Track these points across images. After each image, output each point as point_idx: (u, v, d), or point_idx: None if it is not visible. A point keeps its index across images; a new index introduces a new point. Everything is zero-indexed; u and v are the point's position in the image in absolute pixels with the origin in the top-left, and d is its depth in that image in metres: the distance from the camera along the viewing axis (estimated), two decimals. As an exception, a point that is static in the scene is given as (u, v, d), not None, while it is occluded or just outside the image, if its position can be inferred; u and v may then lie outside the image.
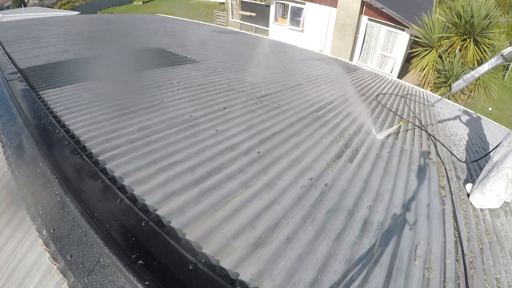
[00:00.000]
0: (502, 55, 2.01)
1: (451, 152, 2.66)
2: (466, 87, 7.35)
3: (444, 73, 7.32)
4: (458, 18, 7.03)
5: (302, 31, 11.31)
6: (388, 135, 2.50)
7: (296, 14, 11.23)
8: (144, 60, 3.39)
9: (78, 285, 0.97)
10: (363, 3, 9.48)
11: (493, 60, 2.10)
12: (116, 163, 1.55)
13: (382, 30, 9.69)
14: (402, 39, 9.34)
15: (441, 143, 2.78)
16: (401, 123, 2.59)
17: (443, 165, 2.37)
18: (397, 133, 2.62)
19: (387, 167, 2.08)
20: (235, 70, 3.62)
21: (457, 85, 2.34)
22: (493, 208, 2.01)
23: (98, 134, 1.81)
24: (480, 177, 2.03)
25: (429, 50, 7.75)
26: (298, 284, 1.09)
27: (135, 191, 1.36)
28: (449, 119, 3.70)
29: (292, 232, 1.32)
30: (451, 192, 2.02)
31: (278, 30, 11.97)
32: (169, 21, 8.11)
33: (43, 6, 18.68)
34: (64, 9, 18.45)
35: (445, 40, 7.37)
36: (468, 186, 2.13)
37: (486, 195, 1.95)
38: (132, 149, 1.70)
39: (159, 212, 1.26)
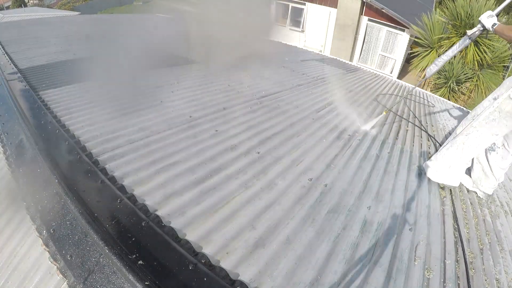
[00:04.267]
0: (468, 36, 2.10)
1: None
2: (466, 87, 7.37)
3: (444, 74, 7.32)
4: (458, 19, 7.04)
5: (302, 31, 11.31)
6: (374, 126, 2.55)
7: (296, 15, 11.24)
8: (144, 60, 3.40)
9: (78, 285, 0.97)
10: (363, 4, 9.48)
11: (460, 42, 2.19)
12: (116, 163, 1.55)
13: (382, 31, 9.70)
14: (402, 39, 9.35)
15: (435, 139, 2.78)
16: (384, 112, 2.65)
17: (443, 165, 2.37)
18: (382, 124, 2.65)
19: (387, 168, 2.08)
20: (235, 70, 3.62)
21: (430, 70, 2.40)
22: (451, 185, 2.04)
23: (98, 134, 1.81)
24: (442, 148, 2.12)
25: (429, 50, 7.75)
26: (298, 285, 1.09)
27: (135, 192, 1.36)
28: (449, 120, 3.70)
29: (292, 232, 1.32)
30: (451, 192, 2.02)
31: (278, 31, 11.97)
32: (169, 21, 8.11)
33: (43, 6, 18.69)
34: (64, 9, 18.46)
35: (445, 41, 7.37)
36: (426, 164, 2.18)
37: (439, 162, 2.03)
38: (132, 149, 1.70)
39: (159, 213, 1.26)
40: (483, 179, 2.08)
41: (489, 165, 2.02)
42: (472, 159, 2.11)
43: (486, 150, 2.05)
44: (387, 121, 2.97)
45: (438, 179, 2.03)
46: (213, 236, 1.21)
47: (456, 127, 2.11)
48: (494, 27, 1.89)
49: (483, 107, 1.93)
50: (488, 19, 1.93)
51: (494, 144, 2.00)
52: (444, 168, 2.00)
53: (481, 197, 2.10)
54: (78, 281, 0.97)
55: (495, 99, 1.86)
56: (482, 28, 2.01)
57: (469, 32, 2.08)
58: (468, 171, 2.20)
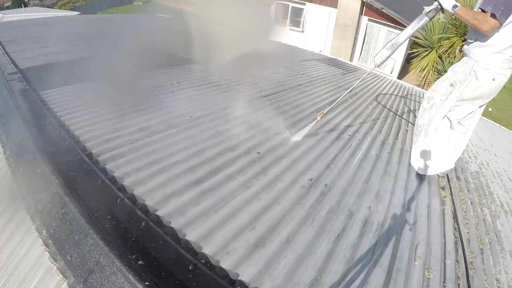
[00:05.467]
0: (425, 13, 1.86)
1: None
2: None
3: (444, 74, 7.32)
4: (458, 18, 7.03)
5: (302, 31, 11.32)
6: (306, 135, 2.15)
7: (296, 15, 11.24)
8: (144, 60, 3.40)
9: (78, 285, 0.97)
10: (363, 4, 9.49)
11: (415, 21, 1.91)
12: (116, 163, 1.55)
13: (382, 31, 9.69)
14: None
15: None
16: (318, 118, 2.18)
17: (443, 165, 2.37)
18: (315, 133, 2.29)
19: (387, 168, 2.08)
20: (235, 70, 3.62)
21: (380, 57, 2.04)
22: (449, 168, 2.11)
23: (98, 134, 1.81)
24: (414, 143, 2.17)
25: (429, 50, 7.75)
26: (298, 285, 1.09)
27: (135, 192, 1.36)
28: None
29: (292, 232, 1.32)
30: (451, 192, 2.02)
31: (278, 31, 11.96)
32: (169, 21, 8.11)
33: (43, 6, 18.69)
34: (64, 9, 18.45)
35: (445, 41, 7.37)
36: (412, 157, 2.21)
37: (420, 160, 2.07)
38: (132, 150, 1.70)
39: (159, 212, 1.26)
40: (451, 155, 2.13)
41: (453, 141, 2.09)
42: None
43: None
44: (387, 121, 2.97)
45: (433, 172, 2.08)
46: (213, 236, 1.21)
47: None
48: (455, 9, 1.70)
49: (441, 94, 1.95)
50: None
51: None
52: (434, 160, 2.07)
53: (443, 171, 2.16)
54: (78, 281, 0.97)
55: (451, 85, 1.88)
56: (440, 7, 1.79)
57: (426, 8, 1.84)
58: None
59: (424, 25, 1.94)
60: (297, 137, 2.11)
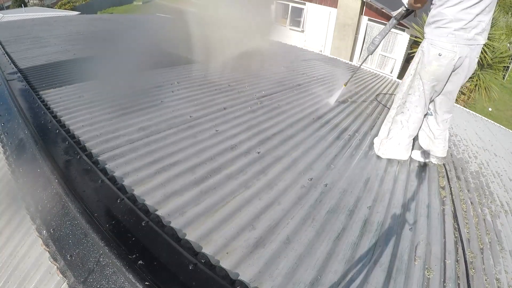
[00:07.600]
0: (393, 16, 2.21)
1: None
2: (466, 87, 7.37)
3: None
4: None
5: (302, 31, 11.32)
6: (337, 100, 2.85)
7: (297, 15, 11.25)
8: (144, 60, 3.40)
9: (78, 285, 0.97)
10: (363, 4, 9.49)
11: (390, 22, 2.31)
12: (116, 163, 1.55)
13: (382, 31, 9.69)
14: (402, 39, 9.35)
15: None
16: (343, 85, 2.83)
17: (443, 165, 2.37)
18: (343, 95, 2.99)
19: (387, 168, 2.08)
20: (236, 70, 3.62)
21: (369, 48, 2.59)
22: (401, 159, 2.16)
23: (98, 134, 1.81)
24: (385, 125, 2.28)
25: (429, 50, 7.73)
26: (298, 284, 1.09)
27: (135, 191, 1.37)
28: (449, 120, 3.69)
29: (292, 232, 1.32)
30: (451, 192, 2.02)
31: (278, 31, 11.96)
32: (169, 21, 8.11)
33: (43, 6, 18.69)
34: (64, 9, 18.46)
35: (445, 41, 7.35)
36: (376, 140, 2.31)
37: (387, 141, 2.15)
38: (132, 149, 1.70)
39: (159, 212, 1.26)
40: (431, 144, 2.18)
41: (430, 129, 2.14)
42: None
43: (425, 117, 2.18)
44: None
45: (388, 156, 2.16)
46: (213, 236, 1.21)
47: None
48: (406, 2, 2.00)
49: (406, 82, 2.06)
50: None
51: (429, 108, 2.13)
52: (393, 146, 2.14)
53: (435, 163, 2.19)
54: (78, 281, 0.97)
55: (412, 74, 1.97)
56: (405, 8, 2.09)
57: (393, 13, 2.19)
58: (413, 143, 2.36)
59: (395, 25, 2.36)
60: (330, 102, 2.72)
